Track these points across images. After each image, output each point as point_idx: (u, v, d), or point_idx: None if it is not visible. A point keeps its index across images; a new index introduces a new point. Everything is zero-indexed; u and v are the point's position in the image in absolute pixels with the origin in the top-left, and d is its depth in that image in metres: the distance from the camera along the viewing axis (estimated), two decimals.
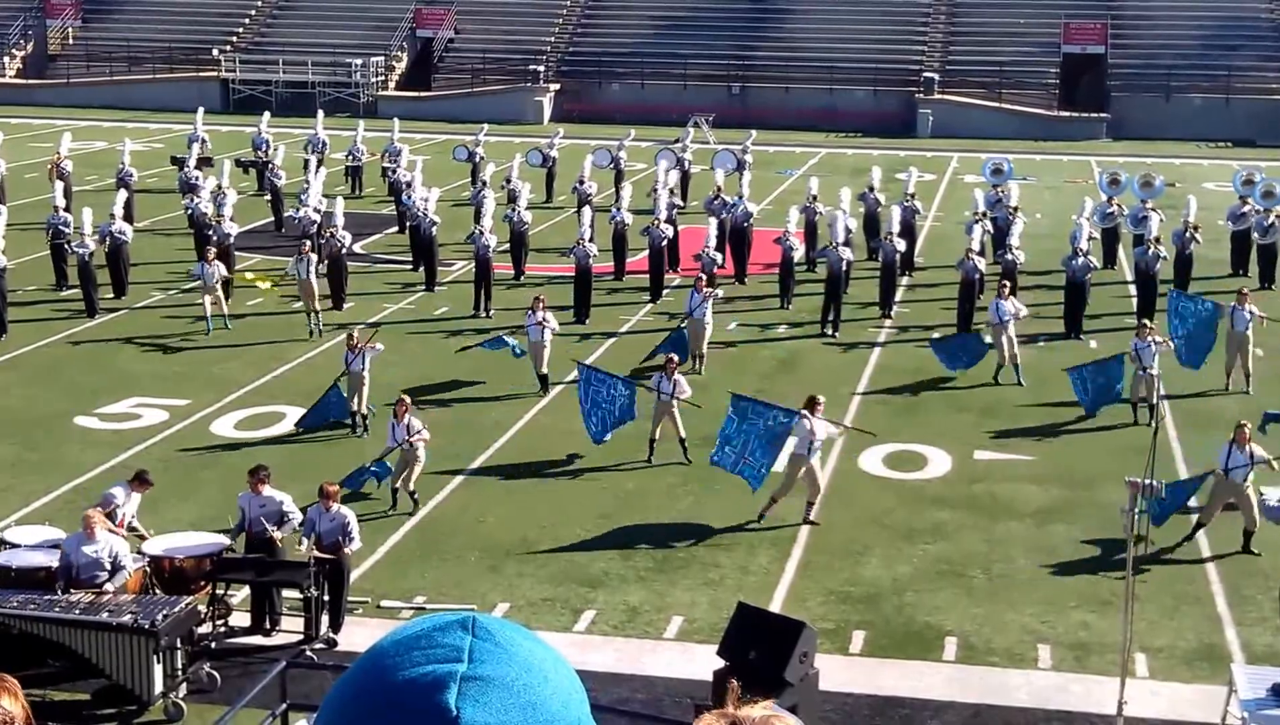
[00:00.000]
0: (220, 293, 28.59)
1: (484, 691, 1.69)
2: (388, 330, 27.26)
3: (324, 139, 45.13)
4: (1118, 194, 36.07)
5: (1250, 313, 25.06)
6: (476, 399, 24.80)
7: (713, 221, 32.38)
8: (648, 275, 31.92)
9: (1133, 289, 31.36)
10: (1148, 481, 14.13)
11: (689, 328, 26.19)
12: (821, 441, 19.67)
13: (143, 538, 16.78)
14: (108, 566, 15.14)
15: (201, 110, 47.93)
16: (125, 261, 31.25)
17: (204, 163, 41.77)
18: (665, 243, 32.21)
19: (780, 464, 19.73)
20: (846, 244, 30.24)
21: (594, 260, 30.06)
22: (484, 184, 36.81)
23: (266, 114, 48.16)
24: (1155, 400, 22.19)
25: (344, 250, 30.73)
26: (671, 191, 36.22)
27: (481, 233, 30.40)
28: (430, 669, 1.70)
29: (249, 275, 31.99)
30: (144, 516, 17.34)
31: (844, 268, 29.78)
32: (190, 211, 34.59)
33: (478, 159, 43.12)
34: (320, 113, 49.45)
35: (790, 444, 19.58)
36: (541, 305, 24.79)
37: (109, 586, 15.02)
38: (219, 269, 28.53)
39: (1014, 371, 25.65)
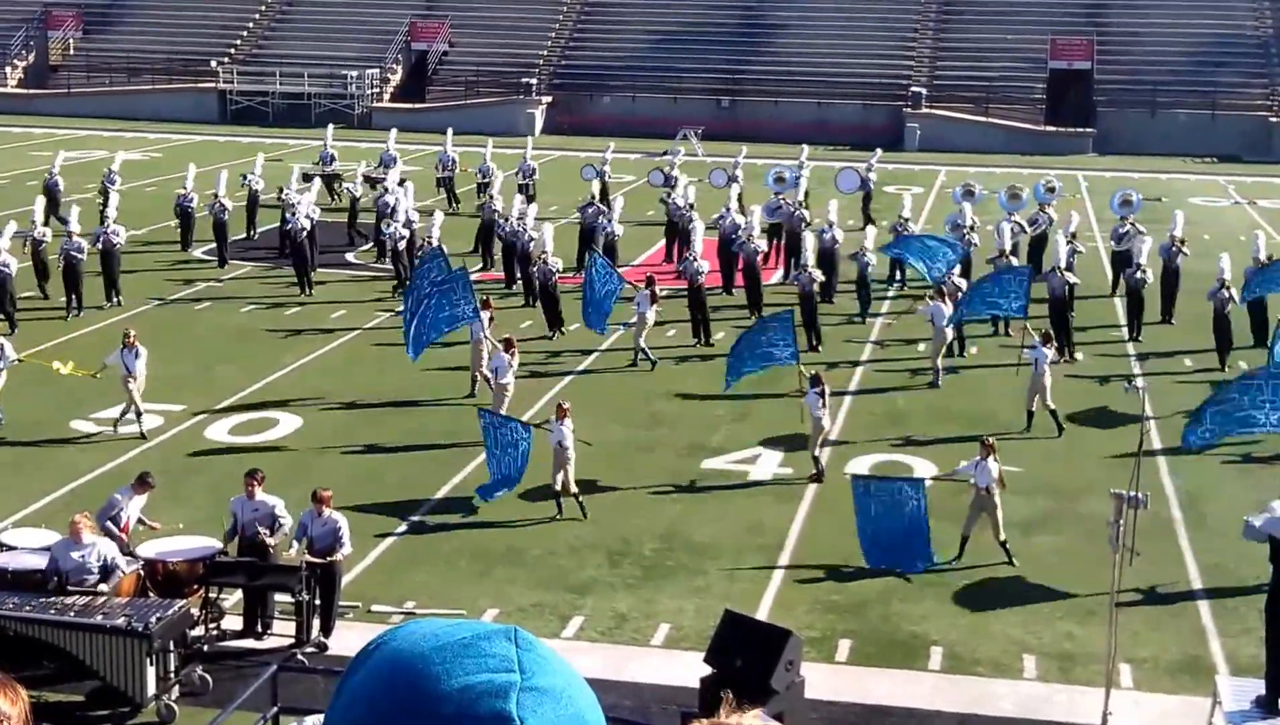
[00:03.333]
0: None
1: (540, 702, 1.76)
2: (381, 336, 27.23)
3: (454, 156, 44.83)
4: (1018, 209, 36.65)
5: (1048, 353, 23.95)
6: (465, 405, 24.86)
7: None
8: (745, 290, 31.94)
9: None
10: (1132, 494, 14.28)
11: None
12: None
13: (154, 528, 17.12)
14: (95, 570, 15.24)
15: (331, 127, 47.62)
16: (80, 276, 30.72)
17: (334, 179, 43.05)
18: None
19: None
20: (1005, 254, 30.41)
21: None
22: (691, 208, 36.09)
23: (394, 130, 47.47)
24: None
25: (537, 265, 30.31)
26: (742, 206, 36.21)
27: (694, 260, 30.12)
28: (486, 678, 1.75)
29: (55, 363, 24.69)
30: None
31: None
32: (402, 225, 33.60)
33: (606, 178, 43.06)
34: (450, 131, 46.71)
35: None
36: (565, 412, 20.36)
37: (103, 587, 15.15)
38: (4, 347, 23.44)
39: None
